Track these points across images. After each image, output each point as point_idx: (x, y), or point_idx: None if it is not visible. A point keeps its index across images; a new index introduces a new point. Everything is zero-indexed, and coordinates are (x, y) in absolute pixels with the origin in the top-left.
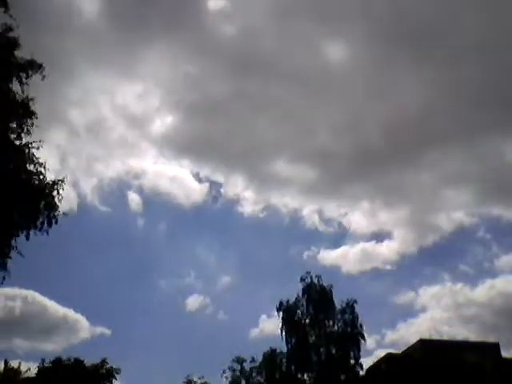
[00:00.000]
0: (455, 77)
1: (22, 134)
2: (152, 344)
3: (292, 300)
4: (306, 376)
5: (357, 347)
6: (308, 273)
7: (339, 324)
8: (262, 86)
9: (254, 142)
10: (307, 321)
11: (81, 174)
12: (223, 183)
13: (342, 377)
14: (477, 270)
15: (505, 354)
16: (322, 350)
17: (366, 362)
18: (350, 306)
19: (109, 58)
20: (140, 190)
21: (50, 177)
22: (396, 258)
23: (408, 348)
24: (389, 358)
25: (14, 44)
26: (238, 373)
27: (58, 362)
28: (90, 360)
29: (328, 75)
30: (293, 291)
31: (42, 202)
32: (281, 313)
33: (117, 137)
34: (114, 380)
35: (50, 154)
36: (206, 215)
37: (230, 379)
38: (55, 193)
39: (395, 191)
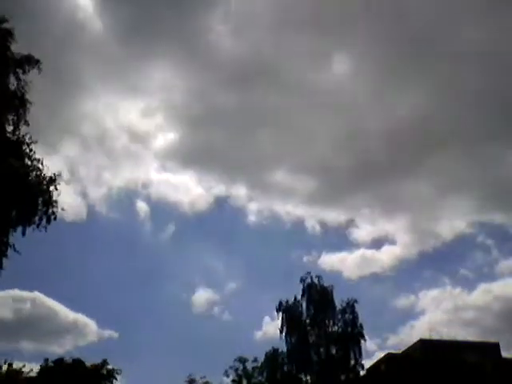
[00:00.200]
0: (455, 86)
1: (20, 125)
2: (158, 346)
3: (292, 300)
4: (306, 376)
5: (357, 347)
6: (308, 273)
7: (339, 324)
8: (263, 98)
9: (256, 152)
10: (307, 321)
11: (90, 184)
12: (226, 192)
13: (343, 377)
14: (477, 275)
15: (505, 354)
16: (322, 349)
17: (367, 364)
18: (350, 306)
19: (115, 73)
20: (147, 199)
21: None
22: (396, 264)
23: (408, 348)
24: (389, 358)
25: (9, 35)
26: (240, 372)
27: (59, 362)
28: (91, 361)
29: (328, 87)
30: (295, 293)
31: (40, 199)
32: (280, 313)
33: (123, 149)
34: (114, 380)
35: (60, 163)
36: (210, 223)
37: (232, 379)
38: (53, 188)
39: (396, 199)
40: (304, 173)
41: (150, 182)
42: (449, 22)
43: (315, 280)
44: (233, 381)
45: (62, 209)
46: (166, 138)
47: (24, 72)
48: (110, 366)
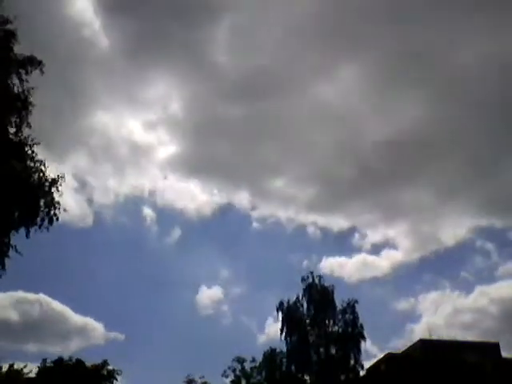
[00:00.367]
0: (455, 95)
1: (22, 127)
2: (163, 347)
3: (293, 300)
4: (306, 376)
5: (357, 347)
6: (310, 272)
7: (340, 324)
8: (265, 110)
9: (258, 162)
10: (308, 320)
11: (97, 192)
12: (230, 200)
13: (342, 377)
14: (477, 279)
15: (505, 354)
16: (322, 349)
17: (367, 365)
18: (350, 306)
19: (120, 86)
20: (153, 206)
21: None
22: (397, 269)
23: (408, 348)
24: (389, 357)
25: (12, 36)
26: (238, 373)
27: (59, 362)
28: (91, 361)
29: (329, 99)
30: (295, 293)
31: (42, 200)
32: (281, 313)
33: (129, 158)
34: (114, 381)
35: (69, 172)
36: (214, 229)
37: (231, 379)
38: (55, 190)
39: (396, 206)
40: (305, 181)
41: (156, 189)
42: (449, 34)
43: (316, 280)
44: (232, 381)
45: (65, 210)
46: (170, 147)
47: (27, 73)
48: (110, 367)
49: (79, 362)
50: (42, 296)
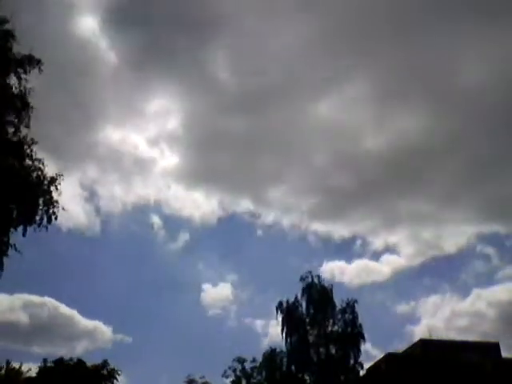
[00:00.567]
0: (454, 105)
1: (21, 127)
2: (168, 349)
3: (292, 300)
4: (306, 376)
5: (357, 347)
6: (309, 272)
7: (339, 324)
8: (266, 123)
9: (259, 173)
10: (307, 320)
11: (105, 201)
12: (233, 208)
13: (342, 377)
14: (477, 283)
15: (505, 354)
16: (321, 349)
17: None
18: (350, 306)
19: (126, 99)
20: (158, 214)
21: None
22: (398, 274)
23: (408, 348)
24: (389, 357)
25: (11, 36)
26: (238, 373)
27: (59, 362)
28: (91, 361)
29: (329, 112)
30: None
31: (41, 199)
32: (280, 313)
33: (136, 169)
34: (115, 381)
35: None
36: (219, 236)
37: (231, 379)
38: (53, 188)
39: (397, 213)
40: (306, 191)
41: (161, 199)
42: (449, 45)
43: (315, 279)
44: (232, 381)
45: (63, 208)
46: (174, 158)
47: (25, 72)
48: (110, 367)
49: (80, 362)
50: (49, 299)
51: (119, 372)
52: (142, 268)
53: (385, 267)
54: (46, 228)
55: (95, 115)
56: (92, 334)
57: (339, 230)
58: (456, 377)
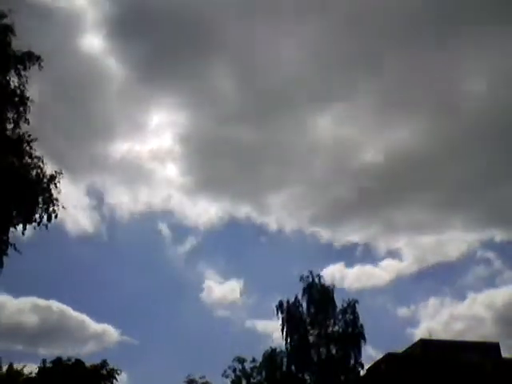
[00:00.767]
0: (453, 114)
1: (20, 123)
2: (175, 351)
3: (292, 300)
4: (306, 376)
5: (357, 347)
6: (310, 272)
7: (340, 324)
8: (265, 133)
9: (260, 181)
10: (308, 320)
11: (113, 209)
12: (237, 214)
13: (342, 377)
14: (477, 288)
15: (505, 354)
16: (322, 349)
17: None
18: (351, 306)
19: (130, 110)
20: (163, 221)
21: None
22: (399, 279)
23: (408, 348)
24: (389, 357)
25: (10, 31)
26: (238, 373)
27: (58, 362)
28: (90, 361)
29: (329, 124)
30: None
31: (41, 197)
32: (280, 312)
33: (142, 178)
34: (114, 380)
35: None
36: (223, 241)
37: (231, 379)
38: (53, 186)
39: (396, 221)
40: (306, 199)
41: (167, 206)
42: (448, 60)
43: (316, 279)
44: (232, 381)
45: (63, 207)
46: (179, 168)
47: (25, 68)
48: (109, 366)
49: (78, 362)
50: (60, 304)
51: (118, 372)
52: (148, 273)
53: (384, 272)
54: (46, 226)
55: (102, 128)
56: (100, 337)
57: (340, 237)
58: (456, 377)
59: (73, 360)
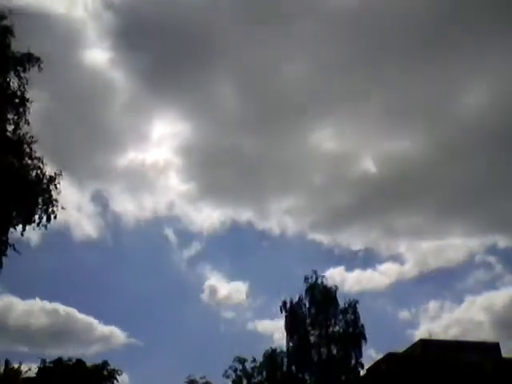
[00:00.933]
0: (453, 124)
1: (20, 124)
2: (179, 353)
3: (296, 300)
4: (306, 376)
5: (358, 347)
6: (314, 272)
7: (341, 324)
8: (266, 144)
9: (262, 188)
10: (308, 321)
11: (120, 215)
12: (240, 219)
13: (343, 377)
14: (478, 292)
15: (505, 354)
16: (322, 349)
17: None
18: (351, 307)
19: (134, 120)
20: (168, 226)
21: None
22: (400, 283)
23: (408, 348)
24: (389, 357)
25: (9, 32)
26: (239, 373)
27: (58, 362)
28: (91, 361)
29: (326, 137)
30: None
31: (40, 198)
32: (284, 312)
33: (147, 185)
34: (114, 381)
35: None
36: (227, 245)
37: (232, 379)
38: (53, 187)
39: (395, 226)
40: (307, 206)
41: (171, 212)
42: (448, 73)
43: (319, 280)
44: (233, 381)
45: (62, 207)
46: (182, 177)
47: (24, 70)
48: (110, 367)
49: (79, 362)
50: (64, 306)
51: (119, 372)
52: (154, 276)
53: (385, 277)
54: (46, 227)
55: (107, 138)
56: (107, 339)
57: (340, 242)
58: (456, 377)
59: (73, 360)
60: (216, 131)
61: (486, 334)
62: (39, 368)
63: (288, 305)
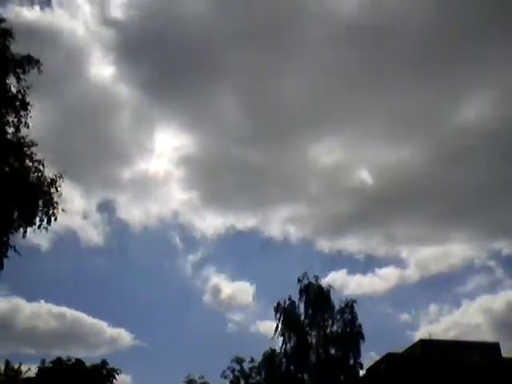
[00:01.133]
0: (453, 133)
1: (21, 127)
2: (182, 354)
3: (290, 301)
4: (305, 376)
5: (356, 347)
6: (305, 273)
7: (338, 324)
8: (267, 155)
9: (264, 196)
10: (306, 321)
11: (127, 221)
12: (241, 224)
13: (342, 377)
14: (478, 296)
15: (505, 354)
16: (321, 350)
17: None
18: (349, 306)
19: (139, 130)
20: (174, 232)
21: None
22: (401, 286)
23: (408, 348)
24: (389, 357)
25: (9, 34)
26: (237, 373)
27: (57, 362)
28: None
29: (326, 149)
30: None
31: (41, 200)
32: (278, 314)
33: (151, 195)
34: (114, 380)
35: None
36: (231, 250)
37: (230, 379)
38: (53, 190)
39: (400, 228)
40: (308, 214)
41: (177, 219)
42: (447, 85)
43: (312, 280)
44: (230, 381)
45: (63, 210)
46: (186, 185)
47: (24, 72)
48: (109, 366)
49: (78, 362)
50: (72, 310)
51: (118, 371)
52: (159, 282)
53: (385, 281)
54: (46, 229)
55: (113, 149)
56: (115, 341)
57: (342, 249)
58: (456, 377)
59: (73, 360)
60: (217, 143)
61: (484, 337)
62: (39, 368)
63: (282, 306)
